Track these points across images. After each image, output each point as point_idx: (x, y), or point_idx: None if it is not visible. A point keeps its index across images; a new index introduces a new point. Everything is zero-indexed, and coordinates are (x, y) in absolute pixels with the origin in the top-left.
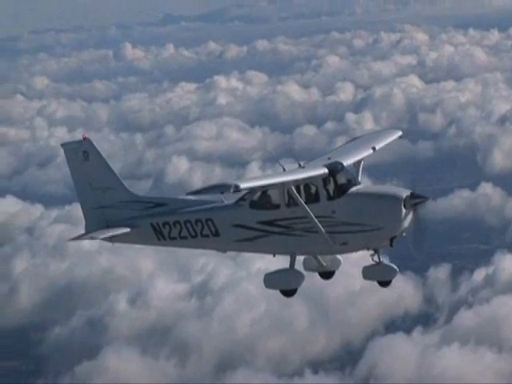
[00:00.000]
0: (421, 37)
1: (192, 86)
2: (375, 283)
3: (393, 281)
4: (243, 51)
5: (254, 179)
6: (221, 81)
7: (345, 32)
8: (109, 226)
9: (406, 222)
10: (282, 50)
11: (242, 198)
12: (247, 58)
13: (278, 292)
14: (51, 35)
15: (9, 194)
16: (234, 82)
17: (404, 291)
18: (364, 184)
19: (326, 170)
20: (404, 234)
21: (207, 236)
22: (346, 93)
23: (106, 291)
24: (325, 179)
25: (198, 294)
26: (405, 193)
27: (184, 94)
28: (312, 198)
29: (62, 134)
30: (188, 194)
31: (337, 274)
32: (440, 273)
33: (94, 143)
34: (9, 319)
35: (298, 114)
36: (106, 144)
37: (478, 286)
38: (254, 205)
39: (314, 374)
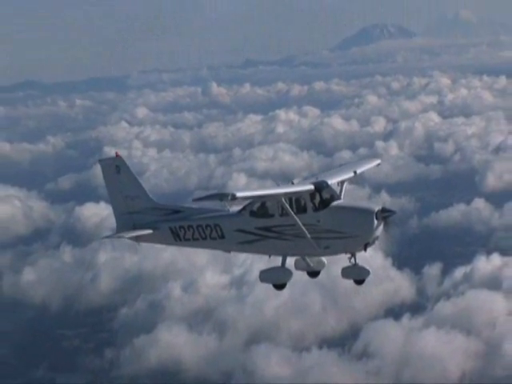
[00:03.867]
0: (444, 81)
1: (258, 118)
2: (377, 278)
3: (392, 276)
4: (304, 90)
5: (248, 190)
6: (281, 114)
7: (386, 76)
8: (135, 228)
9: (378, 231)
10: (335, 89)
11: (244, 208)
12: (307, 96)
13: (298, 283)
14: (155, 74)
15: (102, 200)
16: (292, 115)
17: (402, 285)
18: (344, 199)
19: (312, 187)
20: (376, 241)
21: (215, 238)
22: (379, 125)
23: (166, 280)
24: (312, 194)
25: (237, 284)
26: (377, 207)
27: (251, 124)
28: (301, 209)
29: (152, 154)
30: (194, 200)
31: (342, 267)
32: (432, 270)
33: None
34: (91, 300)
35: (339, 142)
36: (187, 162)
37: (458, 282)
38: (253, 213)
39: (319, 350)
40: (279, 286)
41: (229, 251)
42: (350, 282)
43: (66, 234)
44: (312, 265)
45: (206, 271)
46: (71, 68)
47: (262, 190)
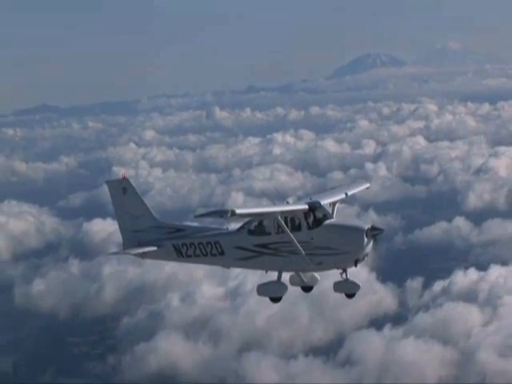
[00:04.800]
0: (431, 107)
1: (257, 140)
2: (362, 290)
3: (376, 290)
4: (301, 115)
5: (247, 208)
6: (278, 137)
7: (378, 102)
8: (140, 245)
9: (367, 248)
10: (330, 114)
11: (242, 227)
12: (303, 120)
13: (289, 295)
14: (164, 99)
15: (108, 217)
16: (288, 138)
17: (385, 297)
18: (336, 218)
19: (306, 206)
20: (366, 258)
21: (215, 255)
22: (369, 148)
23: (166, 291)
24: (306, 213)
25: (232, 296)
26: (367, 225)
27: (250, 146)
28: (296, 227)
29: (157, 173)
30: (195, 216)
31: (333, 282)
32: (414, 283)
33: (133, 183)
34: (95, 310)
35: (332, 163)
36: (189, 181)
37: (437, 295)
38: (251, 232)
39: (306, 357)
40: (275, 299)
41: (228, 267)
42: (336, 295)
43: (74, 248)
44: (306, 280)
45: (203, 283)
46: (86, 93)
47: (260, 207)
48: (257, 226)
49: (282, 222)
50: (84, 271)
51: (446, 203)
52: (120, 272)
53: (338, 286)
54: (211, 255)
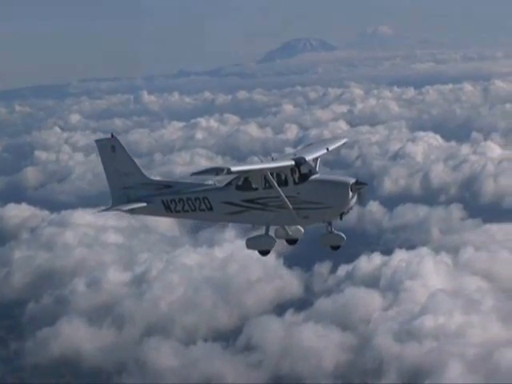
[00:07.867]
0: (358, 92)
1: (181, 125)
2: (268, 275)
3: (283, 275)
4: (228, 99)
5: (241, 165)
6: (202, 121)
7: (305, 86)
8: (129, 201)
9: (352, 202)
10: (257, 98)
11: (230, 183)
12: (230, 104)
13: (191, 280)
14: (94, 83)
15: (24, 201)
16: (212, 122)
17: (292, 282)
18: (321, 173)
19: (292, 162)
20: (350, 211)
21: (203, 210)
22: (291, 132)
23: (73, 276)
24: (292, 169)
25: (138, 281)
26: (351, 180)
27: (174, 131)
28: (282, 183)
29: (79, 158)
30: (192, 174)
31: (238, 267)
32: (322, 268)
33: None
34: (5, 295)
35: (254, 147)
36: None
37: (341, 280)
38: (239, 187)
39: (205, 343)
40: (264, 252)
41: (216, 221)
42: (241, 281)
43: None
44: (290, 233)
45: (110, 269)
46: (18, 77)
47: (252, 164)
48: (244, 181)
49: (271, 178)
50: None
51: None
52: (30, 257)
53: (324, 239)
54: (200, 210)
